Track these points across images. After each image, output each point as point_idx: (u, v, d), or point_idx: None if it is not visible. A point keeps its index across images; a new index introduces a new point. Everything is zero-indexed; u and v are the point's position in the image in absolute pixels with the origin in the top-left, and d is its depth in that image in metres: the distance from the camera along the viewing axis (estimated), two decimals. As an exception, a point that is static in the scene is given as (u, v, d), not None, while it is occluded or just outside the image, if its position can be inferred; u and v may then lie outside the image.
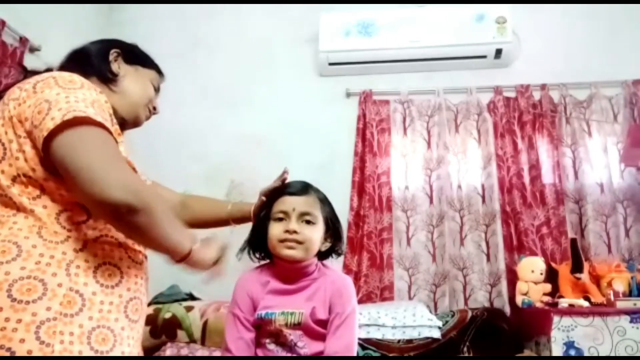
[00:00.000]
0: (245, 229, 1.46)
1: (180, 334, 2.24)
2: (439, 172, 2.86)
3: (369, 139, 2.92)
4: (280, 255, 1.35)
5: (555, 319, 2.14)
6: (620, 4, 2.95)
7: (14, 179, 0.94)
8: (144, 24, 3.05)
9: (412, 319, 2.24)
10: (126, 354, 0.97)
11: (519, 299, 2.52)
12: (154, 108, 1.28)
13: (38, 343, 0.84)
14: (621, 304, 2.16)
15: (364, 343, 2.16)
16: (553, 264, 2.60)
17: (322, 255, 1.43)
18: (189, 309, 2.30)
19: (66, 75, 1.00)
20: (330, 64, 2.98)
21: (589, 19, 2.97)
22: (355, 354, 1.33)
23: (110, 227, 1.00)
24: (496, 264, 2.68)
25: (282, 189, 1.41)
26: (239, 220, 1.44)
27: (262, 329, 1.34)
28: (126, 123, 1.18)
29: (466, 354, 2.16)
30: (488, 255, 2.72)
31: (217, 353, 2.09)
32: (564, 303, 2.26)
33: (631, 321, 2.10)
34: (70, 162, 0.87)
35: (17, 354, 0.83)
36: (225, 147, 2.97)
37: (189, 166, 2.96)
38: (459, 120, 2.94)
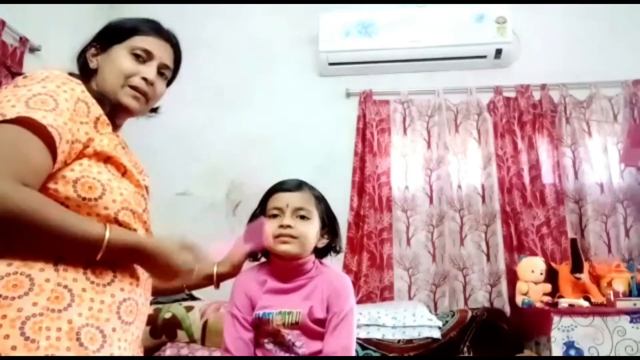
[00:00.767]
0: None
1: (180, 334, 2.24)
2: (439, 172, 2.85)
3: (369, 139, 2.92)
4: (275, 251, 1.34)
5: (555, 319, 2.14)
6: (620, 4, 2.95)
7: None
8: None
9: (412, 319, 2.24)
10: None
11: (519, 299, 2.52)
12: (145, 80, 1.10)
13: (23, 339, 0.81)
14: (621, 304, 2.16)
15: (364, 343, 2.15)
16: (553, 264, 2.60)
17: (320, 253, 1.42)
18: (189, 309, 2.30)
19: (38, 72, 0.97)
20: (330, 64, 2.98)
21: (589, 19, 2.97)
22: (353, 354, 1.32)
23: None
24: (496, 264, 2.67)
25: (275, 187, 1.41)
26: (193, 286, 1.37)
27: (260, 328, 1.33)
28: (120, 110, 1.10)
29: (466, 354, 2.16)
30: (488, 255, 2.72)
31: (217, 353, 2.09)
32: (564, 303, 2.26)
33: (631, 321, 2.10)
34: None
35: (1, 351, 0.80)
36: (225, 147, 2.97)
37: (188, 166, 2.96)
38: (459, 120, 2.94)
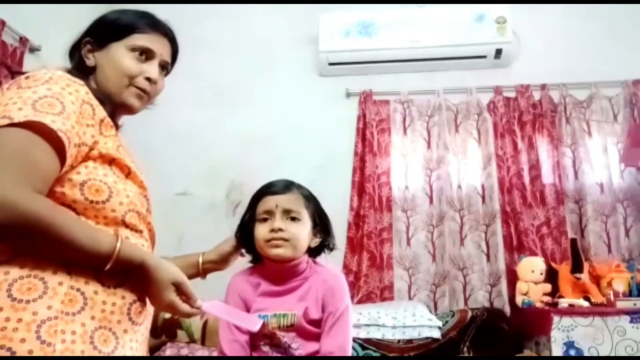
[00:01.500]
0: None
1: (180, 334, 2.24)
2: (439, 172, 2.85)
3: (369, 139, 2.92)
4: (268, 256, 1.33)
5: (555, 319, 2.14)
6: (620, 4, 2.95)
7: None
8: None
9: (412, 319, 2.24)
10: None
11: (519, 299, 2.52)
12: (149, 80, 1.09)
13: (39, 343, 0.82)
14: (621, 304, 2.16)
15: (364, 343, 2.16)
16: (553, 264, 2.60)
17: (313, 252, 1.41)
18: (188, 309, 2.30)
19: (40, 72, 0.95)
20: (330, 64, 2.98)
21: (589, 19, 2.97)
22: (350, 353, 1.32)
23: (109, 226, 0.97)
24: (496, 264, 2.67)
25: (263, 189, 1.39)
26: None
27: (256, 331, 1.33)
28: (121, 110, 1.09)
29: (466, 354, 2.16)
30: (488, 255, 2.72)
31: (217, 353, 2.09)
32: (564, 303, 2.26)
33: (631, 321, 2.10)
34: None
35: (18, 354, 0.81)
36: (225, 147, 2.97)
37: (188, 166, 2.96)
38: (459, 120, 2.94)
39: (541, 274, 2.52)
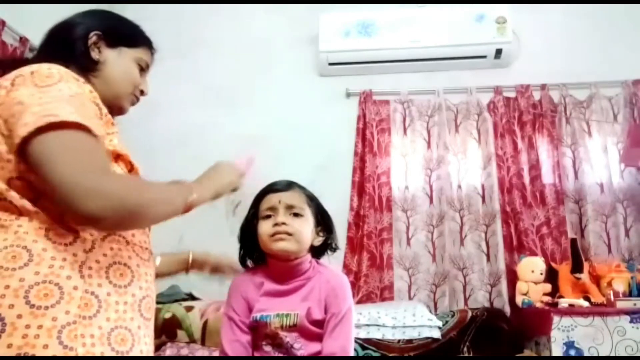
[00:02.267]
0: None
1: (180, 334, 2.24)
2: (439, 172, 2.86)
3: (369, 139, 2.92)
4: (272, 251, 1.33)
5: (555, 319, 2.14)
6: (620, 4, 2.95)
7: (8, 182, 0.90)
8: (144, 24, 3.04)
9: (412, 319, 2.24)
10: (144, 353, 0.97)
11: (519, 299, 2.52)
12: (141, 92, 1.17)
13: (62, 347, 0.84)
14: (621, 304, 2.16)
15: (364, 343, 2.16)
16: (553, 264, 2.60)
17: (317, 252, 1.41)
18: (189, 309, 2.30)
19: (44, 68, 0.94)
20: (330, 64, 2.98)
21: (589, 19, 2.97)
22: (352, 354, 1.32)
23: None
24: (496, 264, 2.67)
25: (266, 188, 1.40)
26: (166, 273, 1.44)
27: (258, 331, 1.33)
28: (113, 110, 1.10)
29: (466, 354, 2.16)
30: (488, 255, 2.72)
31: (217, 353, 2.09)
32: (564, 303, 2.26)
33: (631, 321, 2.10)
34: (45, 173, 0.84)
35: None
36: (225, 147, 2.96)
37: (188, 166, 2.93)
38: (459, 120, 2.94)
39: (541, 274, 2.53)
